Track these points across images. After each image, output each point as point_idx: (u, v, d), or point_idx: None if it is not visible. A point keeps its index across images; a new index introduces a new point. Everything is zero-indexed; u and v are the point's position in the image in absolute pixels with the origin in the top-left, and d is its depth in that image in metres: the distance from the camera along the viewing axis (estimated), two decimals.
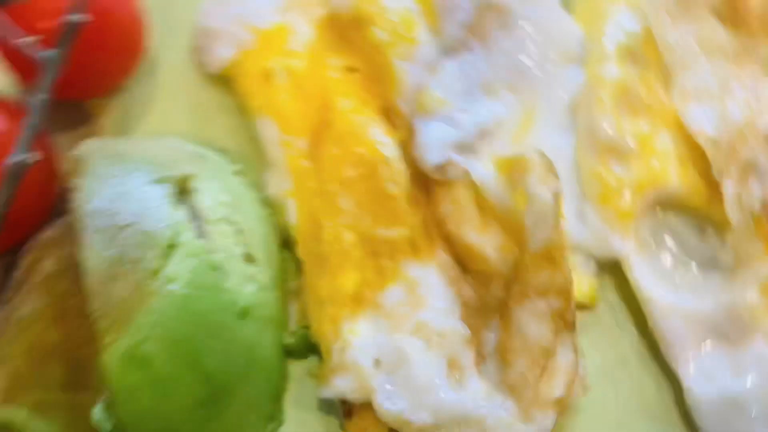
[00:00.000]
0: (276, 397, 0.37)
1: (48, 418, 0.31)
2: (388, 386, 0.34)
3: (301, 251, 0.38)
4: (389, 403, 0.34)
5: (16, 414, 0.31)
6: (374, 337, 0.35)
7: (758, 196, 0.35)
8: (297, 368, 0.38)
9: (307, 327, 0.37)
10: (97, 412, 0.31)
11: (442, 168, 0.36)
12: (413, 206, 0.37)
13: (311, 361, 0.38)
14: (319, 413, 0.37)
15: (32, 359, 0.32)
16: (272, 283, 0.37)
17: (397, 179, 0.36)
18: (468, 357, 0.34)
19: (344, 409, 0.35)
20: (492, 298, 0.36)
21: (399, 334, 0.35)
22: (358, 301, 0.36)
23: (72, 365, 0.32)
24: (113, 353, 0.31)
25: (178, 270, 0.33)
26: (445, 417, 0.33)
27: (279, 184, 0.39)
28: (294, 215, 0.38)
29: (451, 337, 0.35)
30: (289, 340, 0.37)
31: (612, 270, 0.38)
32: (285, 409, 0.37)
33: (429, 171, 0.36)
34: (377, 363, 0.34)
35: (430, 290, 0.36)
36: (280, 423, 0.37)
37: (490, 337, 0.34)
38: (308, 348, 0.37)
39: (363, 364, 0.34)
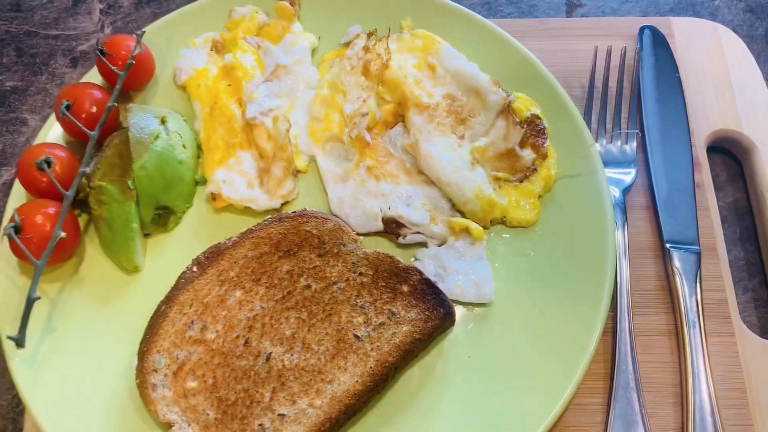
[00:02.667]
0: (190, 195, 1.04)
1: (111, 184, 0.99)
2: (226, 186, 1.02)
3: (203, 146, 1.06)
4: (227, 191, 1.01)
5: (105, 183, 0.99)
6: (223, 173, 1.03)
7: (359, 132, 1.04)
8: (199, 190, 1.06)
9: (203, 175, 1.05)
10: (130, 183, 0.98)
11: (253, 119, 1.05)
12: (243, 131, 1.05)
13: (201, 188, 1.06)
14: (204, 203, 1.05)
15: (109, 165, 0.99)
16: (192, 155, 1.05)
17: (238, 122, 1.05)
18: (255, 177, 1.02)
19: (212, 197, 1.03)
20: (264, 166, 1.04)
21: (233, 173, 1.03)
22: (221, 162, 1.04)
23: (123, 168, 0.99)
24: (137, 163, 0.98)
25: (158, 144, 1.00)
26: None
27: (198, 123, 1.08)
28: (201, 135, 1.07)
29: (251, 173, 1.03)
30: (197, 177, 1.05)
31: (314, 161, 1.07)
32: (193, 201, 1.05)
33: (249, 119, 1.05)
34: (223, 181, 1.02)
35: (245, 159, 1.04)
36: (190, 205, 1.04)
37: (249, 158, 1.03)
38: (203, 181, 1.05)
39: (218, 180, 1.02)
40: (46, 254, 0.92)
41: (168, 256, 1.01)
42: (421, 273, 0.93)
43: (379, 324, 0.91)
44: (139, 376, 0.89)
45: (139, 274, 1.00)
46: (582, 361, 0.88)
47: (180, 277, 0.95)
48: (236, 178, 1.03)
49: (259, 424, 0.85)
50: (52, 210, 0.95)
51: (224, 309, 0.92)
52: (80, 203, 1.02)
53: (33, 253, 0.91)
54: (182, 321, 0.91)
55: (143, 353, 0.90)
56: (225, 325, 0.91)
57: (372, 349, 0.89)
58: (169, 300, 0.93)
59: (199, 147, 1.07)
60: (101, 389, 0.91)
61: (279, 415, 0.86)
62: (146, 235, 1.02)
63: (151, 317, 0.92)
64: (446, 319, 0.91)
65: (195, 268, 0.95)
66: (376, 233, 1.00)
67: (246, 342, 0.90)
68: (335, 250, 0.96)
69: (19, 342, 0.89)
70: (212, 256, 0.96)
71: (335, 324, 0.91)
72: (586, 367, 0.88)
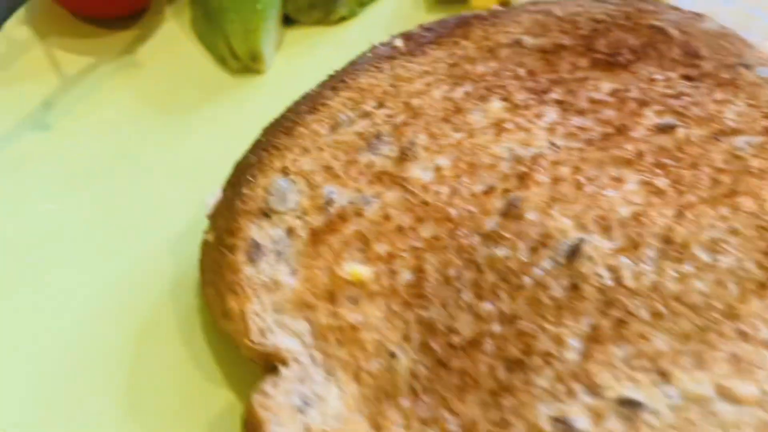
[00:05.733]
0: None
1: None
2: None
3: None
4: None
5: None
6: None
7: None
8: None
9: None
10: None
11: None
12: None
13: None
14: None
15: None
16: None
17: None
18: None
19: None
20: None
21: None
22: None
23: None
24: None
25: None
26: None
27: None
28: None
29: None
30: None
31: None
32: None
33: None
34: None
35: None
36: None
37: None
38: None
39: None
40: None
41: (320, 59, 0.47)
42: None
43: None
44: (211, 229, 0.33)
45: (257, 77, 0.47)
46: None
47: (359, 56, 0.41)
48: None
49: (555, 419, 0.26)
50: None
51: (458, 130, 0.37)
52: None
53: None
54: (356, 127, 0.36)
55: (239, 173, 0.34)
56: (460, 158, 0.35)
57: None
58: (328, 83, 0.38)
59: None
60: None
61: (623, 401, 0.26)
62: (288, 22, 0.50)
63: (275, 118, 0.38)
64: None
65: (399, 42, 0.41)
66: None
67: (511, 207, 0.33)
68: (724, 75, 0.40)
69: None
70: (442, 29, 0.42)
71: (750, 214, 0.33)
72: None
